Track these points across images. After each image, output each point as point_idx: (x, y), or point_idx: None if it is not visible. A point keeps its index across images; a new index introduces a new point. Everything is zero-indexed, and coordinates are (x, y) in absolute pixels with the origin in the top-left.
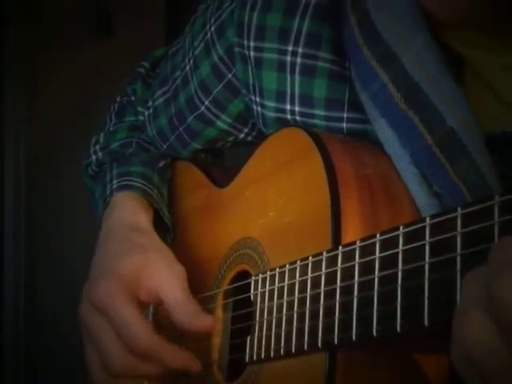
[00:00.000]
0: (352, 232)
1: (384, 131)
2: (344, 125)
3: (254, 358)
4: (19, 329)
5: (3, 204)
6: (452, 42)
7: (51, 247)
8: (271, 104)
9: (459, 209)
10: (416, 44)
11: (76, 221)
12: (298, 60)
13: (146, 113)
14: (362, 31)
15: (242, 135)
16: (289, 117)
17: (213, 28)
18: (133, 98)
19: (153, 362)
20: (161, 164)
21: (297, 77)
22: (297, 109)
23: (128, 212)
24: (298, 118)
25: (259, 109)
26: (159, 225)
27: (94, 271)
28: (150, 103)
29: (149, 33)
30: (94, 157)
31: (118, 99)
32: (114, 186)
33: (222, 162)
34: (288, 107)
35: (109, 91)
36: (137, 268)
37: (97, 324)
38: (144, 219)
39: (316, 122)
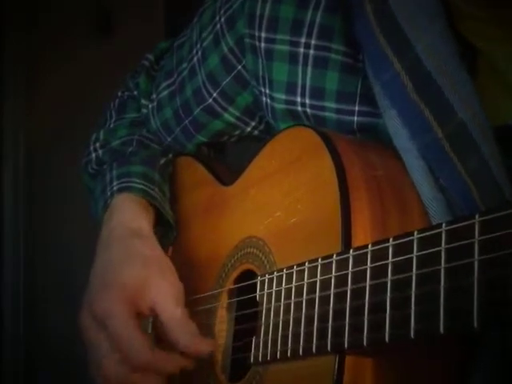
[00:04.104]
0: (362, 234)
1: (393, 122)
2: (355, 118)
3: (260, 359)
4: (19, 329)
5: (3, 204)
6: (467, 33)
7: (51, 247)
8: (281, 96)
9: (477, 216)
10: (432, 32)
11: (76, 221)
12: (311, 52)
13: (150, 105)
14: (377, 17)
15: (248, 129)
16: (299, 109)
17: (223, 19)
18: (135, 92)
19: (149, 375)
20: (162, 161)
21: (309, 69)
22: (307, 101)
23: (129, 216)
24: (308, 110)
25: (268, 101)
26: (161, 222)
27: (94, 279)
28: (154, 96)
29: (148, 32)
30: (93, 154)
31: (119, 94)
32: (115, 188)
33: (225, 158)
34: (298, 99)
35: (109, 91)
36: (138, 280)
37: (94, 336)
38: (145, 224)
39: (327, 114)
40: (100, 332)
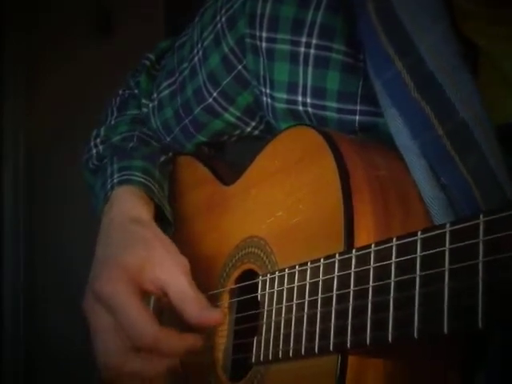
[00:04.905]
0: (365, 234)
1: (395, 121)
2: (356, 117)
3: (261, 358)
4: (19, 329)
5: (3, 204)
6: (469, 32)
7: (51, 247)
8: (282, 96)
9: (481, 216)
10: (434, 32)
11: (76, 221)
12: (312, 51)
13: (151, 105)
14: (379, 15)
15: (248, 129)
16: (300, 108)
17: (223, 19)
18: (136, 91)
19: (154, 358)
20: (162, 159)
21: (310, 68)
22: (309, 100)
23: (129, 205)
24: (309, 109)
25: (269, 100)
26: (160, 219)
27: (96, 265)
28: (155, 95)
29: (148, 32)
30: (94, 150)
31: (120, 92)
32: (115, 181)
33: (224, 157)
34: (300, 99)
35: (108, 91)
36: (140, 260)
37: (97, 318)
38: (145, 212)
39: (328, 114)
40: (104, 313)
